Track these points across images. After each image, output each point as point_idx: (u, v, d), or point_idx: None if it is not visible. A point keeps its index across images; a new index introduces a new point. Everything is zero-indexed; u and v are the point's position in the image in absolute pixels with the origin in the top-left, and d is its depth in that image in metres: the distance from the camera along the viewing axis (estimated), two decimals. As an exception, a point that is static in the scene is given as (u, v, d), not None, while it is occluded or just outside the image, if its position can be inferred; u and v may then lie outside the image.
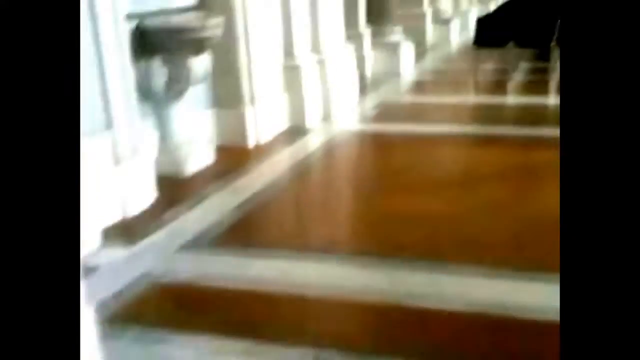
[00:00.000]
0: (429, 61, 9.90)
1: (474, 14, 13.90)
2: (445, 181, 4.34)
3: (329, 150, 5.43)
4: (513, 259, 3.04)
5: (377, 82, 8.07)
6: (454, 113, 6.65)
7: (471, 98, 7.30)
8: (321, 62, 6.21)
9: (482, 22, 8.13)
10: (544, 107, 6.61)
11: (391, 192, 4.19)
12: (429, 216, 3.67)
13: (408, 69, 8.88)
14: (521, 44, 7.97)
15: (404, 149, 5.33)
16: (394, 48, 8.64)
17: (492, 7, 15.61)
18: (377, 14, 8.61)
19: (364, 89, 7.50)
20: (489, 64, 8.57)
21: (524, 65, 8.63)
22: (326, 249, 3.27)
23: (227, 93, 5.31)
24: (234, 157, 5.04)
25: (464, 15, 13.05)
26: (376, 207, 3.93)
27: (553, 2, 10.21)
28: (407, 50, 8.94)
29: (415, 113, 6.66)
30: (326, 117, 6.23)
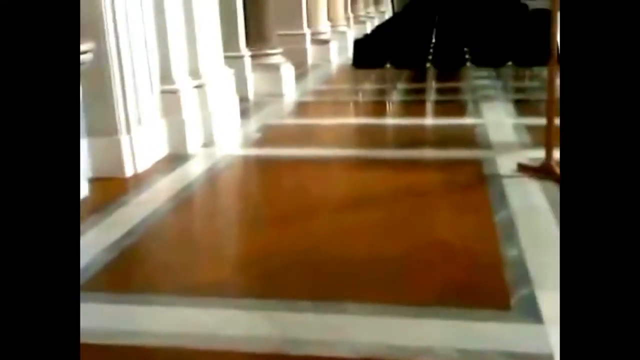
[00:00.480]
0: (311, 82, 9.91)
1: (352, 34, 14.15)
2: (330, 208, 4.25)
3: (212, 177, 5.21)
4: (401, 293, 2.96)
5: (260, 104, 7.95)
6: (337, 135, 6.63)
7: (353, 119, 7.32)
8: (200, 86, 5.99)
9: (359, 44, 8.23)
10: (422, 128, 6.73)
11: (276, 223, 4.05)
12: (314, 249, 3.55)
13: (290, 90, 8.83)
14: (398, 65, 8.13)
15: (289, 174, 5.21)
16: (275, 69, 8.56)
17: (369, 28, 15.98)
18: (257, 36, 8.49)
19: (246, 111, 7.35)
20: (368, 85, 8.69)
21: (401, 86, 8.81)
22: (207, 292, 3.06)
23: (100, 121, 4.97)
24: (110, 189, 4.72)
25: (343, 36, 13.22)
26: (260, 241, 3.77)
27: (427, 25, 10.54)
28: (288, 71, 8.89)
29: (298, 136, 6.57)
30: (208, 143, 6.01)
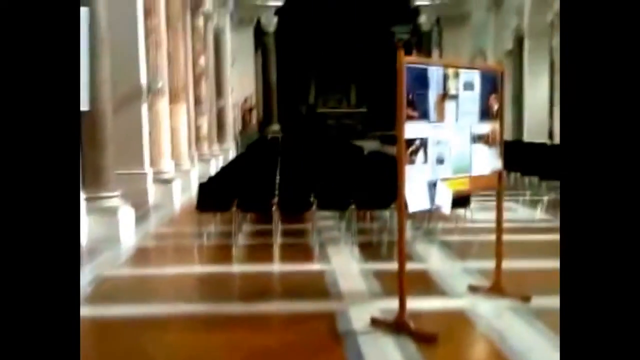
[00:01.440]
0: (152, 225, 9.30)
1: (196, 173, 13.84)
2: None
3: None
4: None
5: (93, 252, 7.18)
6: (178, 287, 6.05)
7: (196, 267, 6.78)
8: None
9: (204, 187, 7.87)
10: (269, 276, 6.35)
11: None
12: None
13: (128, 235, 8.15)
14: (243, 208, 7.83)
15: (122, 338, 4.52)
16: (112, 213, 7.88)
17: (214, 166, 15.80)
18: (92, 178, 7.85)
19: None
20: (212, 227, 8.26)
21: (247, 228, 8.47)
22: None
23: None
24: None
25: (186, 175, 12.84)
26: None
27: (271, 167, 10.48)
28: (127, 214, 8.26)
29: (136, 289, 5.90)
30: (28, 302, 5.16)
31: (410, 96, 4.62)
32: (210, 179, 8.95)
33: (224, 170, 10.15)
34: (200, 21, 16.25)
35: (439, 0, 27.93)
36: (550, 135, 18.77)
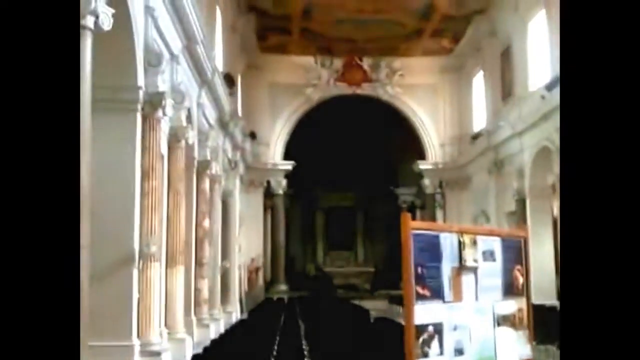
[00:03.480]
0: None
1: (192, 341, 12.41)
2: None
3: None
4: None
5: None
6: None
7: None
8: None
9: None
10: None
11: None
12: None
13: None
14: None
15: None
16: (78, 399, 6.48)
17: (214, 332, 14.33)
18: None
19: None
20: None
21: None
22: None
23: None
24: None
25: (180, 344, 11.41)
26: None
27: (269, 342, 9.13)
28: (98, 399, 6.85)
29: None
30: None
31: (420, 270, 3.54)
32: (194, 357, 7.60)
33: (213, 345, 8.79)
34: (206, 184, 15.59)
35: (442, 165, 27.77)
36: (559, 295, 17.52)
